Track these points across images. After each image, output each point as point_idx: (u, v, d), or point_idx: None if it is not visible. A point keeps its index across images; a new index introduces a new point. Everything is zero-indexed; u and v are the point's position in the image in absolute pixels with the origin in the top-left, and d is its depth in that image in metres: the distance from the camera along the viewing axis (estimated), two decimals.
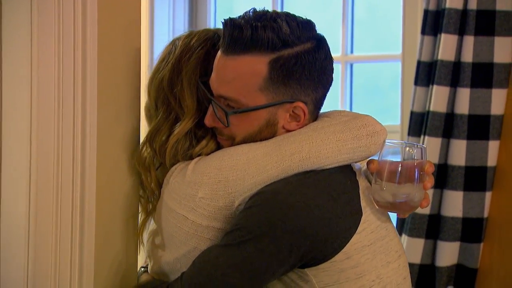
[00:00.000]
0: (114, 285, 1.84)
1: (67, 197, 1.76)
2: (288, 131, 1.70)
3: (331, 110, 1.79)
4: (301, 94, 1.68)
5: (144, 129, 1.86)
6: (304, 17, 1.70)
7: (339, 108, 3.21)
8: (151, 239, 1.81)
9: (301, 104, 1.68)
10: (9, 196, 1.78)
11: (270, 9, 1.82)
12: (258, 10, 1.68)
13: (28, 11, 1.74)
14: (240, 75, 1.66)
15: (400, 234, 2.63)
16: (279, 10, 3.34)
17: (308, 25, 1.68)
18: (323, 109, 1.80)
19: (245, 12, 1.68)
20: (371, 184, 1.70)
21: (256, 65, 1.65)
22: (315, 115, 1.74)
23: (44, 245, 1.75)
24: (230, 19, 1.67)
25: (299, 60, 1.65)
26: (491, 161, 2.62)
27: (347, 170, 1.70)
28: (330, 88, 1.75)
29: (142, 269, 1.85)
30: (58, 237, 1.76)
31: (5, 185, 1.77)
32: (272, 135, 1.70)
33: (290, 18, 1.66)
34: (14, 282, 1.77)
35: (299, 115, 1.69)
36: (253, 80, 1.66)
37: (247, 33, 1.64)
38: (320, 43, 1.69)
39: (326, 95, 1.74)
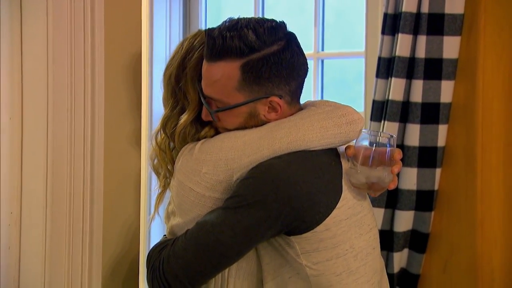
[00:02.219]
0: (121, 246, 1.85)
1: (79, 174, 1.76)
2: (270, 120, 1.71)
3: (318, 100, 1.80)
4: (274, 89, 1.69)
5: (146, 120, 1.87)
6: (274, 21, 1.70)
7: (312, 97, 3.23)
8: (167, 207, 1.83)
9: (275, 98, 1.69)
10: (31, 171, 1.78)
11: (253, 11, 1.80)
12: (232, 19, 1.69)
13: (44, 21, 1.74)
14: (219, 79, 1.68)
15: None
16: (260, 12, 3.33)
17: (275, 29, 1.68)
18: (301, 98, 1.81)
19: (223, 22, 1.70)
20: None
21: (230, 70, 1.67)
22: (294, 104, 1.75)
23: (59, 220, 1.76)
24: (208, 31, 1.69)
25: (266, 62, 1.66)
26: (441, 142, 2.63)
27: (332, 153, 1.72)
28: (305, 78, 1.75)
29: (163, 236, 1.86)
30: (71, 210, 1.77)
31: (26, 170, 1.78)
32: (259, 124, 1.71)
33: (258, 24, 1.67)
34: (36, 233, 1.77)
35: (275, 107, 1.71)
36: (230, 83, 1.68)
37: (219, 43, 1.66)
38: (288, 43, 1.69)
39: (301, 86, 1.75)
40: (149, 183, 1.88)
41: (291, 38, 1.71)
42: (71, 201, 1.77)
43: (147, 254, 1.78)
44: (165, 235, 1.86)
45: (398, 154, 1.72)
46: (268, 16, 3.24)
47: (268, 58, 1.66)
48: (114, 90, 1.83)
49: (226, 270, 1.72)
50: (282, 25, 1.71)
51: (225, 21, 1.70)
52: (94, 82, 1.77)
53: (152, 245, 1.82)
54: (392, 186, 1.73)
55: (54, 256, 1.76)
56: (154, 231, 3.32)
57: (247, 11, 3.30)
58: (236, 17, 1.70)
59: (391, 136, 1.70)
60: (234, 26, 1.67)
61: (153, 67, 3.25)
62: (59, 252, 1.76)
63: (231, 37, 1.65)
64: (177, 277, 1.66)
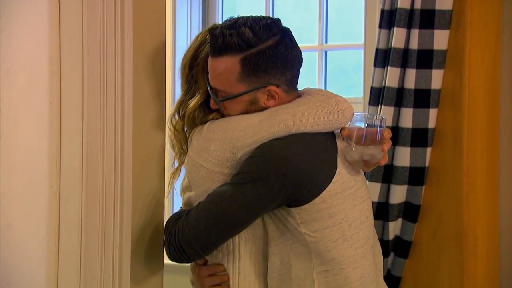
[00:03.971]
0: (147, 214, 1.87)
1: (110, 151, 1.78)
2: (269, 107, 1.71)
3: (314, 88, 1.80)
4: (271, 79, 1.69)
5: (169, 104, 1.88)
6: (270, 19, 1.70)
7: (316, 85, 3.24)
8: (182, 182, 1.84)
9: (273, 87, 1.70)
10: (68, 148, 1.79)
11: (263, 8, 1.78)
12: (232, 18, 1.70)
13: (79, 19, 1.75)
14: (222, 72, 1.69)
15: None
16: (270, 10, 3.33)
17: (269, 26, 1.68)
18: (307, 86, 1.81)
19: (225, 20, 1.71)
20: None
21: (231, 64, 1.67)
22: (291, 91, 1.74)
23: (94, 192, 1.78)
24: (211, 29, 1.71)
25: (262, 55, 1.66)
26: (431, 124, 2.63)
27: (327, 133, 1.72)
28: (300, 68, 1.74)
29: (180, 208, 1.87)
30: (104, 183, 1.78)
31: (64, 148, 1.79)
32: (260, 110, 1.72)
33: (255, 22, 1.67)
34: (73, 203, 1.79)
35: (274, 95, 1.71)
36: (231, 75, 1.68)
37: (220, 40, 1.67)
38: (282, 38, 1.69)
39: (297, 75, 1.75)
40: (171, 159, 1.89)
41: (285, 33, 1.71)
42: (104, 175, 1.78)
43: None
44: (181, 206, 1.87)
45: (388, 133, 1.71)
46: (276, 13, 3.26)
47: (264, 52, 1.67)
48: (141, 78, 1.84)
49: (237, 235, 1.73)
50: (277, 21, 1.71)
51: (226, 20, 1.71)
52: (124, 71, 1.78)
53: (174, 212, 1.83)
54: (383, 162, 1.73)
55: (89, 223, 1.78)
56: (176, 201, 3.34)
57: (259, 8, 3.30)
58: (236, 16, 1.71)
59: (381, 118, 1.70)
60: (233, 25, 1.67)
61: (175, 57, 3.26)
62: (93, 219, 1.78)
63: (230, 34, 1.66)
64: (190, 245, 1.68)
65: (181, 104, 1.81)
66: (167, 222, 1.76)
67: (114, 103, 1.77)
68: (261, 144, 1.66)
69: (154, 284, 1.92)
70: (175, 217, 1.74)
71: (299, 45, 1.75)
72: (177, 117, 1.82)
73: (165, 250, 1.74)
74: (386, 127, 1.72)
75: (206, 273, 1.79)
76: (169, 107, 1.88)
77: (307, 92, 1.76)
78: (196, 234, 1.67)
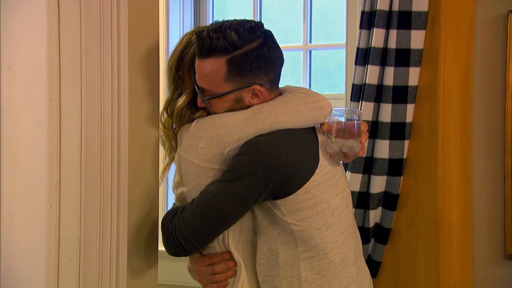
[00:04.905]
0: (143, 204, 1.87)
1: (107, 145, 1.77)
2: (253, 105, 1.72)
3: (295, 86, 1.80)
4: (255, 79, 1.70)
5: (162, 101, 1.88)
6: (253, 22, 1.71)
7: (301, 83, 3.24)
8: (173, 178, 1.84)
9: (257, 87, 1.70)
10: (68, 143, 1.79)
11: (251, 11, 1.76)
12: (218, 21, 1.71)
13: (77, 20, 1.74)
14: (209, 73, 1.69)
15: (345, 170, 2.64)
16: (258, 12, 3.32)
17: (253, 29, 1.69)
18: (290, 83, 1.81)
19: (211, 24, 1.72)
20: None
21: (217, 65, 1.67)
22: (273, 90, 1.75)
23: (92, 184, 1.77)
24: (198, 32, 1.71)
25: (247, 57, 1.67)
26: (409, 118, 2.65)
27: (309, 128, 1.73)
28: (282, 68, 1.75)
29: (173, 204, 1.87)
30: (102, 176, 1.78)
31: (64, 142, 1.78)
32: (244, 108, 1.73)
33: (239, 25, 1.68)
34: (72, 195, 1.78)
35: (257, 94, 1.71)
36: (218, 75, 1.68)
37: (207, 43, 1.67)
38: (265, 40, 1.70)
39: (279, 74, 1.76)
40: (164, 154, 1.89)
41: (268, 36, 1.72)
42: (102, 167, 1.78)
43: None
44: (174, 202, 1.87)
45: (364, 126, 1.74)
46: (264, 15, 3.26)
47: (249, 53, 1.67)
48: (136, 76, 1.84)
49: None
50: (260, 24, 1.72)
51: (212, 24, 1.71)
52: (120, 70, 1.78)
53: (169, 206, 1.83)
54: (361, 154, 1.74)
55: (88, 213, 1.78)
56: (171, 194, 3.33)
57: (247, 10, 3.30)
58: (221, 19, 1.71)
59: (359, 112, 1.72)
60: (219, 28, 1.68)
61: (169, 56, 3.25)
62: (92, 209, 1.78)
63: (216, 37, 1.66)
64: (187, 239, 1.70)
65: (169, 103, 1.81)
66: (163, 219, 1.77)
67: (110, 100, 1.77)
68: (248, 141, 1.66)
69: (150, 271, 1.92)
70: (171, 214, 1.75)
71: (285, 45, 1.75)
72: (165, 115, 1.82)
73: (164, 246, 1.75)
74: (364, 121, 1.73)
75: (202, 264, 1.78)
76: (162, 104, 1.87)
77: (288, 90, 1.77)
78: (192, 230, 1.69)
